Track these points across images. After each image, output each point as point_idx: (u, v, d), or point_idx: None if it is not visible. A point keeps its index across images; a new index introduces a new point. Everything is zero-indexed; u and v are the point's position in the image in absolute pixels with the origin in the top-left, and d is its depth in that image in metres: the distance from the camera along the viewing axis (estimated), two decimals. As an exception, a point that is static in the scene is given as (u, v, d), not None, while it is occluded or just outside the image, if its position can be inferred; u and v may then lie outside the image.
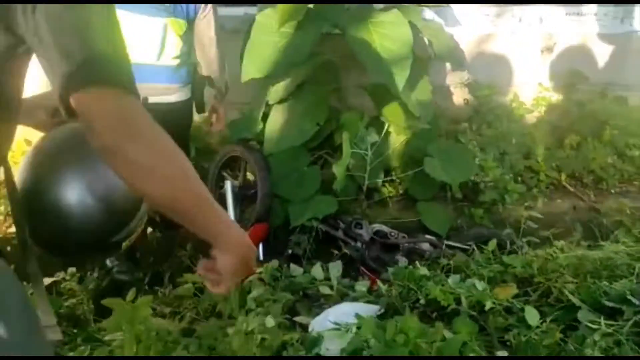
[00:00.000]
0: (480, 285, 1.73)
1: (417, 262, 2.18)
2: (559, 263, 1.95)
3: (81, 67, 0.74)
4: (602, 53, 3.49)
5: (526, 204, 3.08)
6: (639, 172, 3.29)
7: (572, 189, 3.26)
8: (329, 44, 2.83)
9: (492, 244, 2.20)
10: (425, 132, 2.92)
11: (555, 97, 3.52)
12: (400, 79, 2.31)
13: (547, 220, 2.89)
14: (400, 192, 3.08)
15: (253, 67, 2.55)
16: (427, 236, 2.76)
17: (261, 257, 2.68)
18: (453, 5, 3.27)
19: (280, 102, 2.78)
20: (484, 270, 2.06)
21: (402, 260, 2.40)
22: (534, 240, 2.25)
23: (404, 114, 2.81)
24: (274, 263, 2.26)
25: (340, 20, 2.58)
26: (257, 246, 2.68)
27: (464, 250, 2.66)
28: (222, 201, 2.84)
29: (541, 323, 1.56)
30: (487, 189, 2.90)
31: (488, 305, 1.64)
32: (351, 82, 2.98)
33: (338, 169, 2.52)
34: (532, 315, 1.54)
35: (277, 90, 2.78)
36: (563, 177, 3.25)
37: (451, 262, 2.13)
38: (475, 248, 2.29)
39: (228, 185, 2.78)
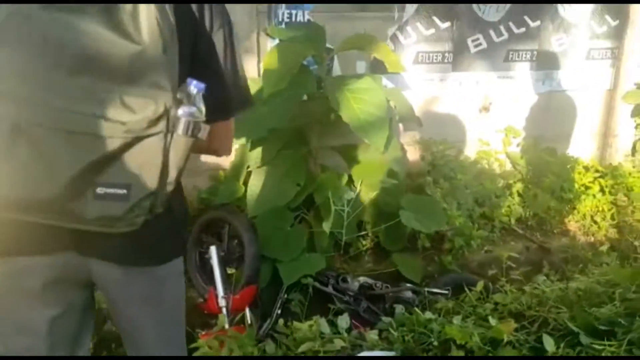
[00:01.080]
0: (493, 320, 1.89)
1: (415, 308, 2.31)
2: (546, 296, 2.17)
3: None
4: (530, 110, 3.96)
5: (486, 248, 3.37)
6: (575, 213, 3.71)
7: (521, 232, 3.59)
8: (300, 109, 3.01)
9: (480, 284, 2.40)
10: (394, 187, 3.14)
11: (495, 150, 3.91)
12: (382, 138, 2.52)
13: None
14: (373, 244, 3.25)
15: (240, 133, 2.66)
16: (409, 285, 2.92)
17: (249, 320, 2.69)
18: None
19: (261, 166, 2.89)
20: (480, 309, 2.24)
21: (399, 308, 2.53)
22: (517, 278, 2.47)
23: (377, 171, 3.02)
24: (281, 321, 2.31)
25: (312, 87, 2.79)
26: (245, 309, 2.69)
27: (443, 295, 2.85)
28: (208, 267, 2.85)
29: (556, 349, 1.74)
30: (454, 236, 3.13)
31: (506, 338, 1.80)
32: (322, 144, 3.16)
33: (326, 228, 2.65)
34: (549, 343, 1.72)
35: (257, 155, 2.89)
36: (512, 221, 3.58)
37: (449, 304, 2.30)
38: (468, 291, 2.46)
39: (213, 250, 2.79)
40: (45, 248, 1.09)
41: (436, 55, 3.67)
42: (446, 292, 2.86)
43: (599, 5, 3.83)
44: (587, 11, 3.85)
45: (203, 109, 1.02)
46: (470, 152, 3.91)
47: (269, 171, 2.88)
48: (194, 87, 1.00)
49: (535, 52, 3.85)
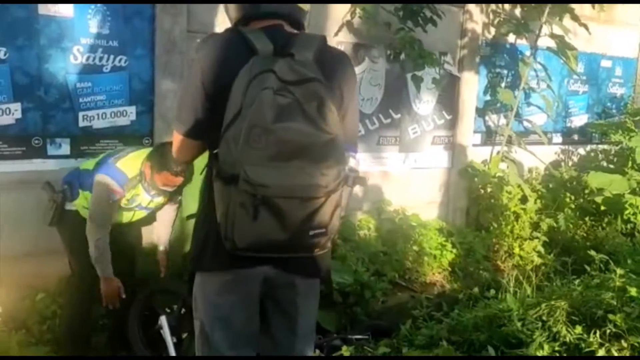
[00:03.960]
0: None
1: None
2: (464, 324, 2.85)
3: None
4: (397, 184, 4.85)
5: (383, 299, 4.01)
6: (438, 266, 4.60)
7: (404, 284, 4.33)
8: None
9: (409, 322, 3.00)
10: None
11: (372, 216, 4.68)
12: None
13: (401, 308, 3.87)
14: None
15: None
16: (336, 334, 3.39)
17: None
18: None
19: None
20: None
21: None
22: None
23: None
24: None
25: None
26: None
27: (365, 339, 3.38)
28: (159, 337, 2.96)
29: None
30: (363, 289, 3.71)
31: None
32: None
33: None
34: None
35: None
36: (397, 275, 4.30)
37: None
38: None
39: (163, 320, 2.94)
40: (261, 263, 1.55)
41: (327, 139, 4.36)
42: (367, 336, 3.40)
43: (439, 103, 4.96)
44: (431, 107, 4.95)
45: (357, 167, 1.58)
46: (355, 220, 4.61)
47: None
48: (349, 153, 1.54)
49: (398, 138, 4.80)
